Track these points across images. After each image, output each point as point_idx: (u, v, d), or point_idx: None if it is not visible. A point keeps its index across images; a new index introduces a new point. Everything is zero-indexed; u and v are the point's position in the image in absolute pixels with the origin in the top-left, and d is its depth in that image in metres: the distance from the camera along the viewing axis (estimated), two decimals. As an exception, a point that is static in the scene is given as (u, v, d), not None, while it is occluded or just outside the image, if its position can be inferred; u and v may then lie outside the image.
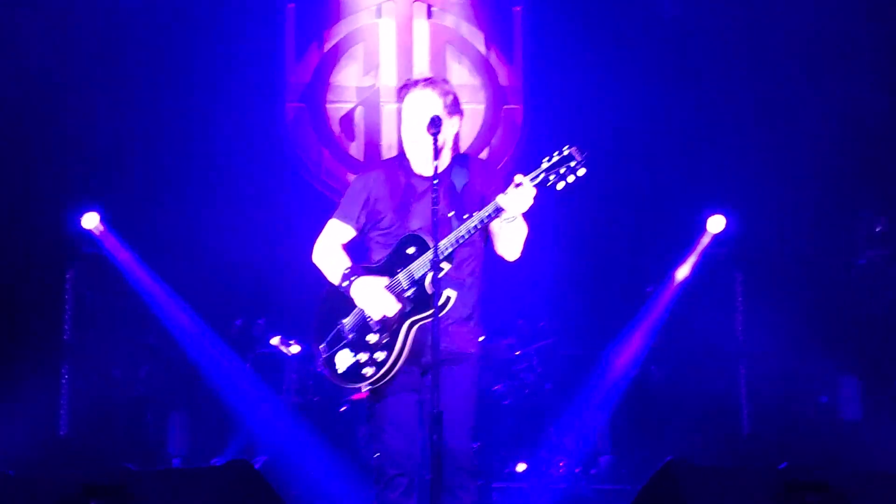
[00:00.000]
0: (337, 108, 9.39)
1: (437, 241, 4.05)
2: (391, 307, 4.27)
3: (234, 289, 8.87)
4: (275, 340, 8.33)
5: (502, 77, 9.37)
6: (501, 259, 4.46)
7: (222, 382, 8.42)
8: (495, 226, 4.27)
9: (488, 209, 4.14)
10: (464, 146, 7.06)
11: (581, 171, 4.03)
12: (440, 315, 4.12)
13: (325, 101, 9.36)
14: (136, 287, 8.57)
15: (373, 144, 9.34)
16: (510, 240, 4.32)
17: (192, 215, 8.73)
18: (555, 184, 4.06)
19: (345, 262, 4.46)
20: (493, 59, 9.36)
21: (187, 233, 8.72)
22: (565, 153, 4.05)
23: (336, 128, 9.40)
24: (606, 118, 8.86)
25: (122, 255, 8.59)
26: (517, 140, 9.40)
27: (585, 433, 8.34)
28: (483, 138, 9.41)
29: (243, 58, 8.96)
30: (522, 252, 4.40)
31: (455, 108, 4.43)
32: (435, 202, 4.03)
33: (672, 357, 8.93)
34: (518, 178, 4.09)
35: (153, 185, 8.71)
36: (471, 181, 4.39)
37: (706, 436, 8.63)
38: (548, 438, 8.22)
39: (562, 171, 4.06)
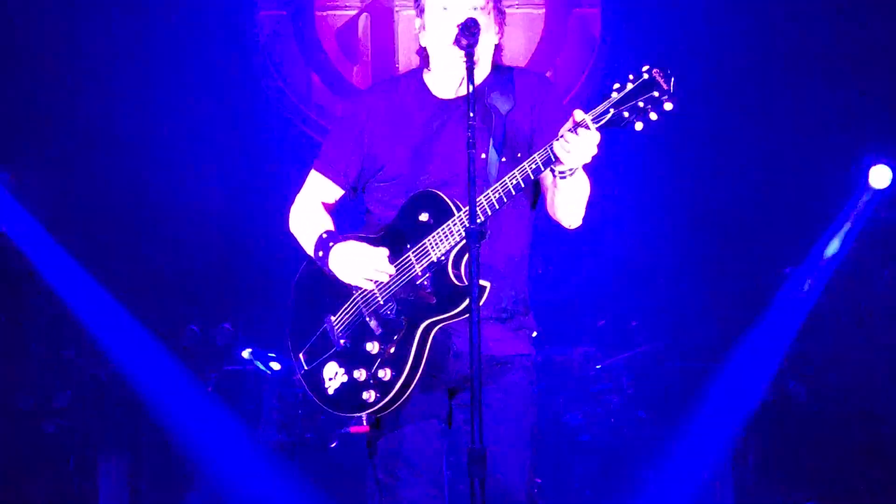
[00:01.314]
0: (332, 16, 8.48)
1: (473, 197, 3.57)
2: (380, 267, 3.90)
3: (188, 281, 8.25)
4: (247, 353, 7.89)
5: (571, -34, 8.97)
6: (563, 229, 4.03)
7: (174, 413, 7.88)
8: (548, 180, 3.90)
9: (536, 160, 3.70)
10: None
11: (668, 106, 3.55)
12: (468, 314, 3.67)
13: (314, 7, 8.49)
14: (52, 282, 7.93)
15: (383, 67, 8.43)
16: (569, 201, 3.90)
17: (128, 178, 7.95)
18: (631, 123, 3.58)
19: (323, 226, 4.13)
20: (559, -61, 8.94)
21: (122, 203, 8.04)
22: (645, 77, 3.57)
23: (331, 44, 8.49)
24: (724, 30, 7.90)
25: (32, 236, 7.95)
26: (593, 58, 8.36)
27: (698, 481, 7.67)
28: (543, 56, 8.41)
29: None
30: (595, 222, 4.11)
31: (498, 8, 4.05)
32: (470, 143, 3.53)
33: (820, 368, 8.08)
34: (578, 114, 3.59)
35: (74, 139, 7.98)
36: (518, 107, 3.98)
37: (869, 482, 7.65)
38: (644, 488, 7.67)
39: (640, 104, 3.57)
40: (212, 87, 8.17)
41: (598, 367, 7.97)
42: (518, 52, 8.15)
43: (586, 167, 3.81)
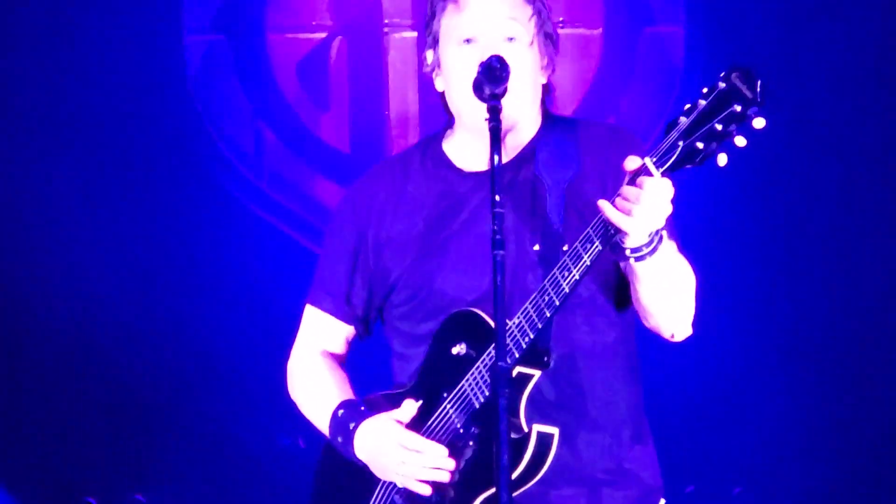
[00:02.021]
0: (292, 40, 7.12)
1: (499, 318, 3.10)
2: (425, 469, 3.40)
3: (81, 433, 6.78)
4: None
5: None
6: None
7: None
8: (628, 269, 3.35)
9: (590, 237, 3.21)
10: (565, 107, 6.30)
11: (758, 122, 2.99)
12: (533, 480, 3.26)
13: (265, 28, 7.06)
14: None
15: (366, 114, 7.18)
16: (657, 294, 3.27)
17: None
18: (709, 155, 3.04)
19: (334, 393, 3.60)
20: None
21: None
22: (721, 87, 3.02)
23: (290, 82, 7.19)
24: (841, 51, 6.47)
25: None
26: (673, 92, 6.96)
27: None
28: (600, 95, 7.10)
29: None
30: (699, 322, 3.40)
31: (546, 32, 3.49)
32: (497, 240, 3.07)
33: None
34: (632, 161, 3.08)
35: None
36: (584, 174, 3.47)
37: None
38: None
39: (718, 126, 3.01)
40: (127, 147, 6.59)
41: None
42: (563, 90, 6.59)
43: (675, 235, 3.24)
